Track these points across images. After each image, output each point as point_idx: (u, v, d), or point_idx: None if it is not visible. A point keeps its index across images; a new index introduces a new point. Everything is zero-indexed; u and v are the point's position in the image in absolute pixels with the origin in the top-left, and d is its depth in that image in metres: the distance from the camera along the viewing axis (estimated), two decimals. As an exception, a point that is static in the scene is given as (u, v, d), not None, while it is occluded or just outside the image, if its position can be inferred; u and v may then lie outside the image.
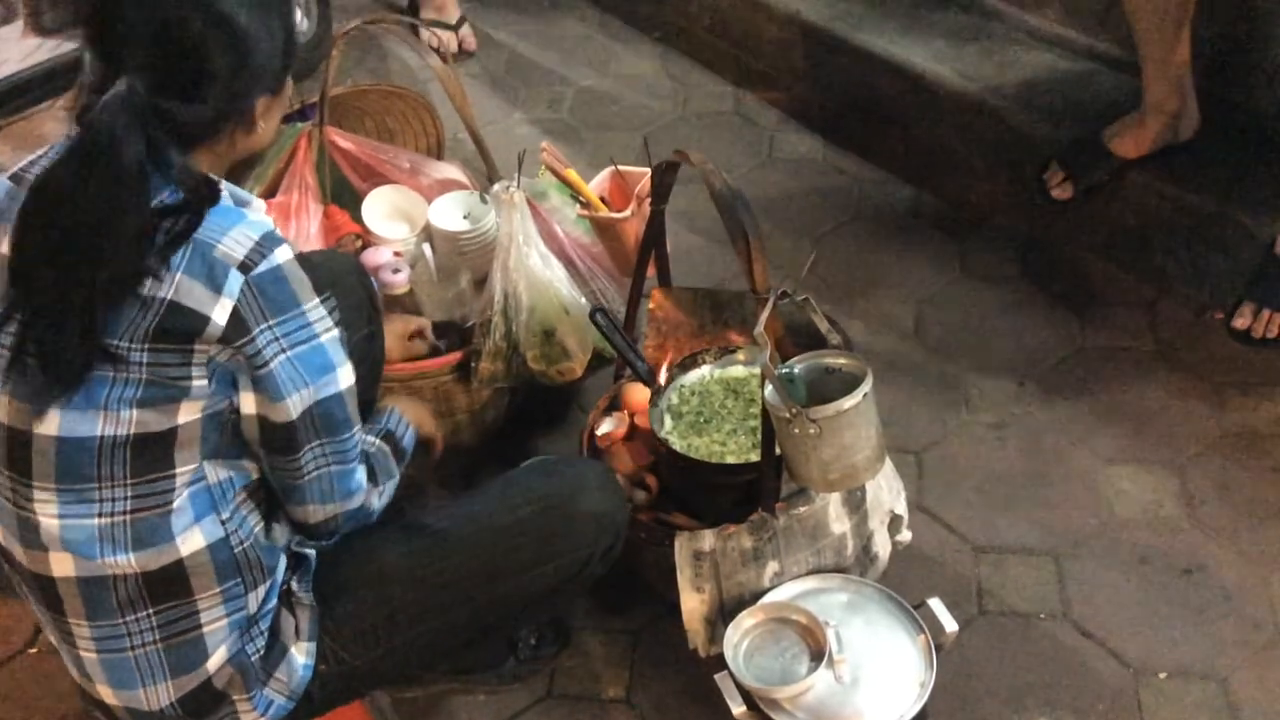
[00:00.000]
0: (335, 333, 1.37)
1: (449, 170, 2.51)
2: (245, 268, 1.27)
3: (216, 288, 1.26)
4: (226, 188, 1.34)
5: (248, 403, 1.33)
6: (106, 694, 1.41)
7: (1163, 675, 1.83)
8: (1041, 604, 1.95)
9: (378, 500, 1.52)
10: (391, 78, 3.47)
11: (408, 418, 1.69)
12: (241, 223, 1.30)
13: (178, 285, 1.25)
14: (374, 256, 2.30)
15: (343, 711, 1.59)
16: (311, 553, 1.51)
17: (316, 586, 1.50)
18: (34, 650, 2.00)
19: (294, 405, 1.33)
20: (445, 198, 2.36)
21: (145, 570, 1.34)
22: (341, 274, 1.81)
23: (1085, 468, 2.17)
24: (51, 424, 1.28)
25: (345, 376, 1.39)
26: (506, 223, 2.10)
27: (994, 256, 2.67)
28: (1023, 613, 1.95)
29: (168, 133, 1.27)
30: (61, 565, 1.34)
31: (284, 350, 1.31)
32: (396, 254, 2.34)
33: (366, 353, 1.79)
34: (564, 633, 1.96)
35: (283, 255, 1.31)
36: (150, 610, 1.36)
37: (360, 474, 1.46)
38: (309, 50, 3.40)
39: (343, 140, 2.44)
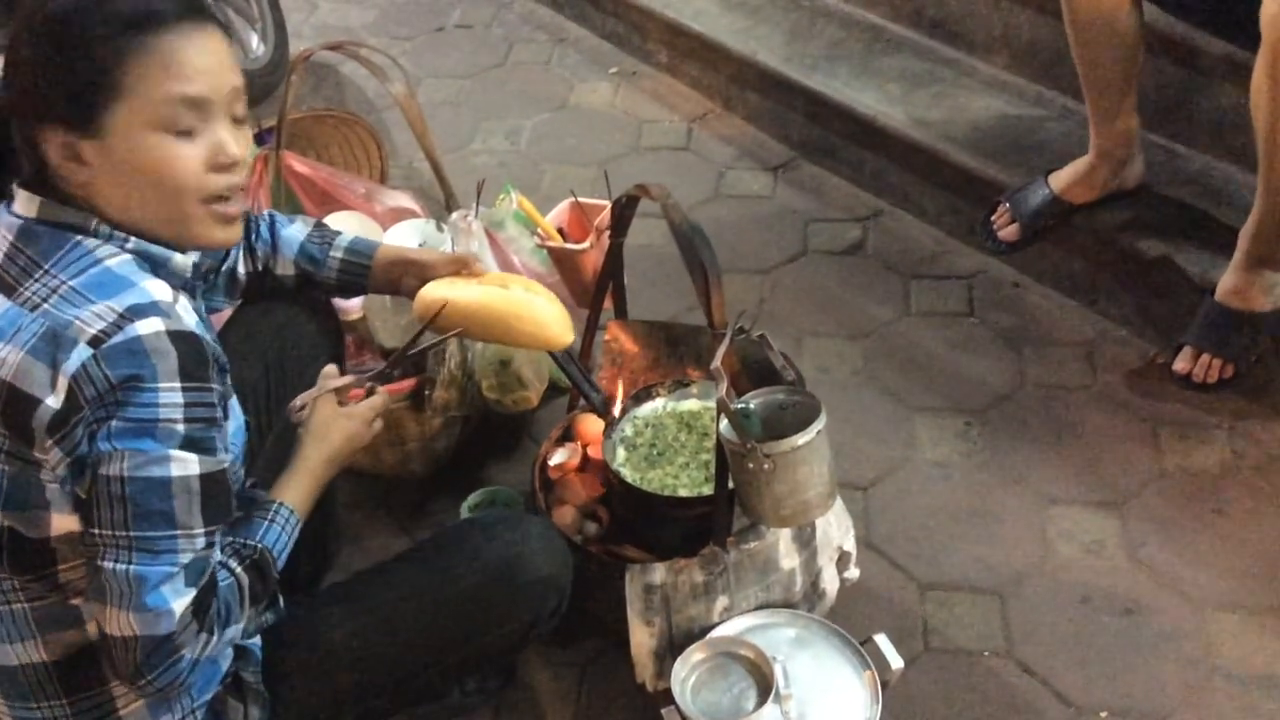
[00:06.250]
0: (186, 427, 1.15)
1: (401, 199, 2.51)
2: (96, 341, 1.12)
3: (55, 364, 1.11)
4: (140, 245, 1.23)
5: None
6: None
7: (1104, 714, 1.85)
8: (985, 641, 1.97)
9: (195, 650, 1.21)
10: (348, 104, 3.46)
11: (306, 482, 1.48)
12: (116, 295, 1.15)
13: (18, 367, 1.13)
14: (327, 282, 2.29)
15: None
16: (255, 643, 1.47)
17: (265, 675, 1.46)
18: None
19: (101, 465, 1.14)
20: (401, 225, 2.36)
21: (54, 659, 1.26)
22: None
23: (1028, 507, 2.19)
24: None
25: (182, 465, 1.15)
26: (464, 251, 2.10)
27: (941, 296, 2.70)
28: (967, 650, 1.96)
29: None
30: None
31: (109, 428, 1.13)
32: (350, 280, 2.32)
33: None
34: (507, 670, 1.94)
35: (147, 327, 1.13)
36: (65, 700, 1.29)
37: (168, 594, 1.17)
38: (265, 75, 3.40)
39: (299, 165, 2.43)
